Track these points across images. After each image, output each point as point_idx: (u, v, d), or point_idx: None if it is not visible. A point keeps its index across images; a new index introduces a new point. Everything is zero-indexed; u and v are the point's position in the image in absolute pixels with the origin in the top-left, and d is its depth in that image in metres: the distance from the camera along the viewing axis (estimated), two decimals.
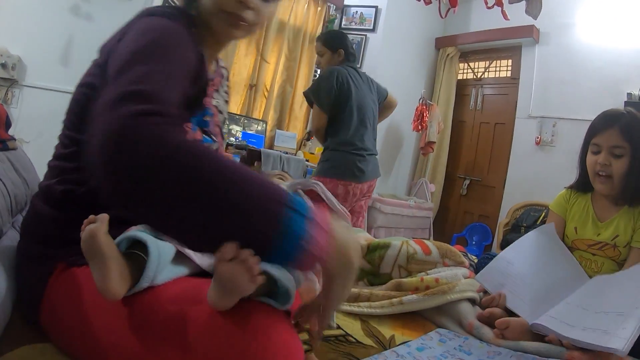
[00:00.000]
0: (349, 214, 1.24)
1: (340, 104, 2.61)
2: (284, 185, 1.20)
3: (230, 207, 0.57)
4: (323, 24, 4.67)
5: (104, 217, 0.68)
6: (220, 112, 1.14)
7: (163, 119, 0.59)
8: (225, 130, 3.34)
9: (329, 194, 1.22)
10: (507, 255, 1.69)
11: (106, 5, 2.97)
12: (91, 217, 0.68)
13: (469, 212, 5.23)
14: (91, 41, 2.56)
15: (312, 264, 0.62)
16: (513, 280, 1.56)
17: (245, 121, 4.02)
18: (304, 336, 1.16)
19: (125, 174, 0.56)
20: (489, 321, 1.40)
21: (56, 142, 0.93)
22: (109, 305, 0.71)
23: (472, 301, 1.53)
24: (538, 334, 1.34)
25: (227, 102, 1.21)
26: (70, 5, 2.87)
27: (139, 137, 0.56)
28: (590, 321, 1.32)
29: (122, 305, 0.70)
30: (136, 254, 0.70)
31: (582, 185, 1.74)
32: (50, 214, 0.85)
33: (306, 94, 2.76)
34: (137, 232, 0.72)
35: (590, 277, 1.60)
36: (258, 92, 4.21)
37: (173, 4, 0.98)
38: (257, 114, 4.26)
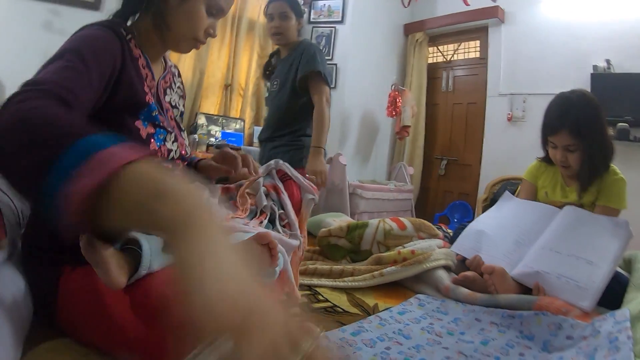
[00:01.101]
0: (315, 187, 1.35)
1: None
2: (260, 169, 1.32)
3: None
4: None
5: None
6: (175, 106, 1.25)
7: (29, 94, 0.64)
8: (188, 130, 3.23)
9: (294, 171, 1.33)
10: (477, 225, 1.82)
11: (77, 18, 2.97)
12: None
13: (449, 191, 5.37)
14: None
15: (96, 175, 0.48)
16: (486, 243, 1.69)
17: (224, 121, 4.08)
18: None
19: None
20: (463, 284, 1.52)
21: None
22: (116, 293, 0.81)
23: (448, 268, 1.66)
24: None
25: (181, 97, 1.32)
26: (42, 22, 2.89)
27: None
28: (563, 267, 1.46)
29: (127, 292, 0.82)
30: (131, 249, 0.82)
31: (550, 161, 1.88)
32: (44, 227, 0.94)
33: (323, 75, 2.38)
34: None
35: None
36: (234, 91, 4.27)
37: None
38: (235, 112, 4.32)
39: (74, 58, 0.82)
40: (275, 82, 2.49)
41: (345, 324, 1.22)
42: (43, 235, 0.95)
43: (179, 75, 1.35)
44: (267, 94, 2.59)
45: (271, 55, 2.67)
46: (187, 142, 1.26)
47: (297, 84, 2.36)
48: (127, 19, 1.10)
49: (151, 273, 0.83)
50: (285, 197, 1.27)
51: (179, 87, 1.30)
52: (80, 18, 2.98)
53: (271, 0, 2.44)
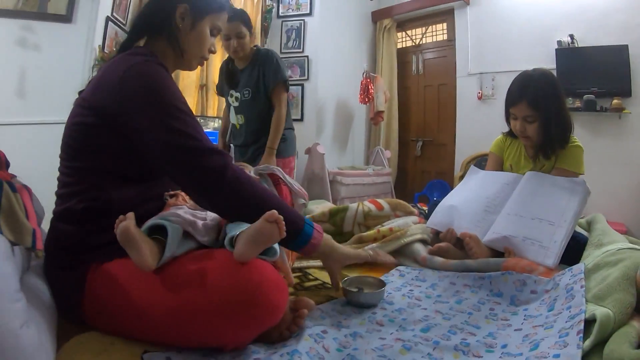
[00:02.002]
0: (305, 192, 1.50)
1: None
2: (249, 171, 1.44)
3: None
4: (262, 15, 4.80)
5: (131, 215, 0.93)
6: None
7: (229, 166, 1.09)
8: None
9: (288, 177, 1.47)
10: (447, 201, 1.97)
11: (50, 33, 2.99)
12: (121, 217, 0.92)
13: (426, 171, 5.55)
14: (43, 70, 2.69)
15: (313, 250, 1.21)
16: (457, 216, 1.83)
17: (202, 120, 4.15)
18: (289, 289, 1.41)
19: (222, 199, 1.08)
20: (437, 254, 1.66)
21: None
22: (145, 277, 0.95)
23: (424, 241, 1.80)
24: None
25: None
26: (16, 39, 2.87)
27: (227, 180, 1.07)
28: (527, 230, 1.61)
29: (155, 274, 0.96)
30: (156, 237, 0.97)
31: (513, 134, 2.03)
32: (74, 230, 1.06)
33: (286, 82, 2.60)
34: (157, 220, 1.00)
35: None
36: (209, 90, 4.33)
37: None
38: (212, 111, 4.39)
39: (189, 112, 1.12)
40: (246, 92, 2.61)
41: (335, 297, 1.36)
42: (68, 240, 1.05)
43: None
44: (236, 103, 2.69)
45: (227, 64, 2.74)
46: None
47: (269, 93, 2.58)
48: (135, 43, 1.25)
49: (174, 257, 0.98)
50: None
51: None
52: (53, 32, 3.01)
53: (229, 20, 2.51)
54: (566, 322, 1.01)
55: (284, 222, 0.97)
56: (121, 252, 0.91)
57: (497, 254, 1.66)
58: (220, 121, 4.24)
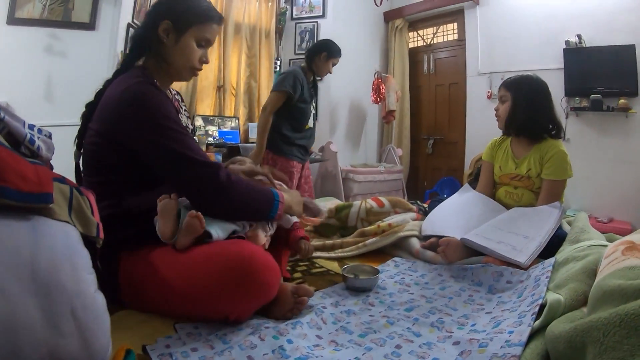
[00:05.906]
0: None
1: None
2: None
3: (257, 203, 1.34)
4: (276, 18, 5.00)
5: (175, 196, 1.24)
6: (187, 126, 1.57)
7: (221, 174, 1.26)
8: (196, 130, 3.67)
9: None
10: (438, 212, 2.13)
11: (75, 40, 3.25)
12: (166, 196, 1.21)
13: (437, 169, 5.70)
14: (68, 76, 2.95)
15: (281, 216, 1.39)
16: (442, 225, 2.00)
17: (219, 120, 4.37)
18: (298, 274, 1.61)
19: (222, 205, 1.27)
20: (430, 248, 1.85)
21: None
22: (171, 257, 1.18)
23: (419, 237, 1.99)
24: (470, 248, 1.79)
25: (188, 117, 1.64)
26: (44, 46, 3.13)
27: (221, 187, 1.26)
28: (503, 237, 1.77)
29: (180, 255, 1.19)
30: None
31: (506, 133, 2.22)
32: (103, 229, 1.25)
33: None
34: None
35: (510, 207, 2.06)
36: (226, 91, 4.55)
37: (136, 26, 1.43)
38: (229, 111, 4.60)
39: (179, 128, 1.28)
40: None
41: (336, 283, 1.58)
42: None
43: (182, 100, 1.66)
44: (313, 110, 3.28)
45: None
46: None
47: None
48: (135, 60, 1.42)
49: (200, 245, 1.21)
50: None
51: (185, 110, 1.61)
52: (77, 39, 3.24)
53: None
54: (527, 306, 1.20)
55: (202, 217, 1.18)
56: (143, 242, 1.19)
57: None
58: (237, 121, 4.48)
